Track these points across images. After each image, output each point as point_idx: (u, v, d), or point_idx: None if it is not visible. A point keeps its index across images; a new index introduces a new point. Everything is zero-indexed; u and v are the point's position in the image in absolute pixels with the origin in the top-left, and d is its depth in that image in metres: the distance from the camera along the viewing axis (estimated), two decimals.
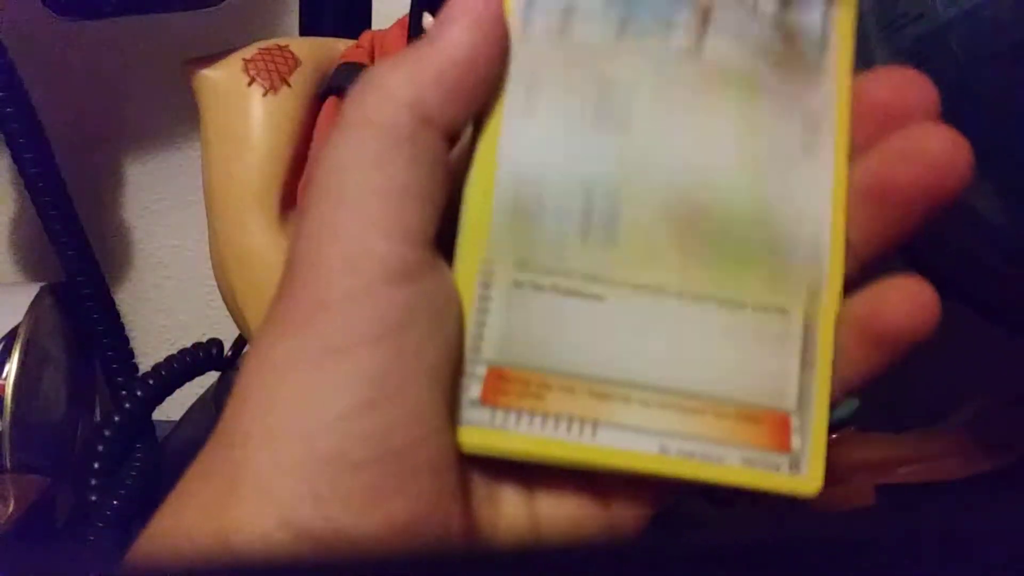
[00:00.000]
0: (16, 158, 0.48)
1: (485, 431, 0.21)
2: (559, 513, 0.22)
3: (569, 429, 0.21)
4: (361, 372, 0.19)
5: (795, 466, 0.21)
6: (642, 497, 0.22)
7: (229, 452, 0.20)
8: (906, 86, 0.22)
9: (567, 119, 0.22)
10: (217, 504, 0.19)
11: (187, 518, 0.20)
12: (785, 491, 0.21)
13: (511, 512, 0.22)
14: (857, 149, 0.22)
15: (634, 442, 0.21)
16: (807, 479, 0.21)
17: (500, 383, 0.21)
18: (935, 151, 0.21)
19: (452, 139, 0.21)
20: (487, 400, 0.21)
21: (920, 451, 0.41)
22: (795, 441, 0.21)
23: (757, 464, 0.21)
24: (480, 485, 0.22)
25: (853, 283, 0.22)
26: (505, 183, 0.21)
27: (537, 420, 0.21)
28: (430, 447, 0.20)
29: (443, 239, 0.21)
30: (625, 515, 0.22)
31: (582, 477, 0.22)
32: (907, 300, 0.21)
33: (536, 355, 0.21)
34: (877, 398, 0.43)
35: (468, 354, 0.21)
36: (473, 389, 0.21)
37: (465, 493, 0.21)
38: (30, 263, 0.62)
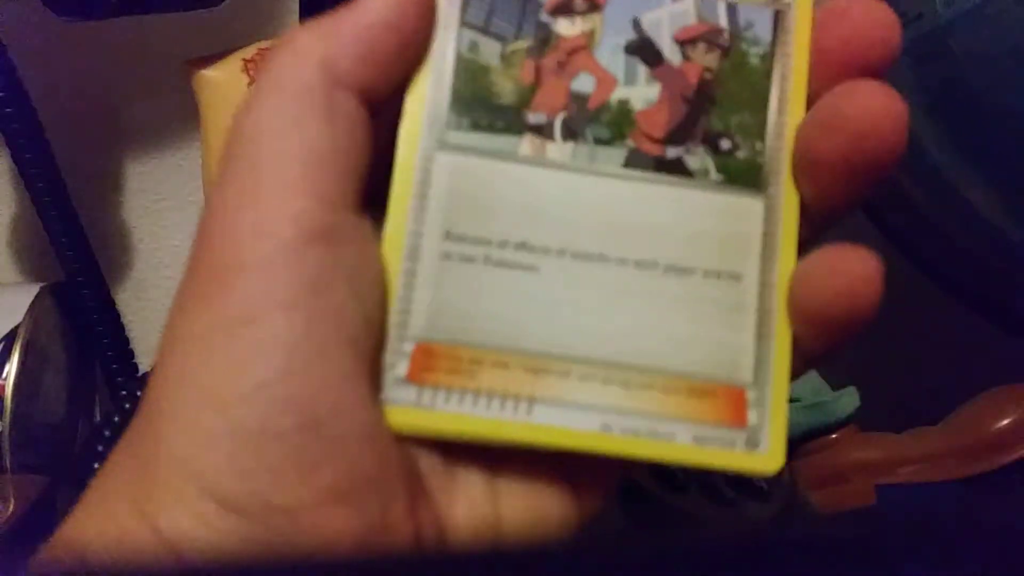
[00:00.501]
0: (16, 158, 0.48)
1: (413, 410, 0.20)
2: (521, 495, 0.21)
3: (503, 407, 0.20)
4: (277, 338, 0.18)
5: (752, 443, 0.20)
6: (605, 473, 0.22)
7: (146, 426, 0.19)
8: (867, 22, 0.20)
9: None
10: (138, 480, 0.19)
11: (110, 497, 0.19)
12: (742, 469, 0.20)
13: (471, 493, 0.21)
14: (813, 95, 0.21)
15: (574, 420, 0.20)
16: (767, 457, 0.20)
17: (428, 360, 0.20)
18: (857, 116, 0.20)
19: (373, 104, 0.20)
20: (414, 378, 0.20)
21: (920, 451, 0.41)
22: (752, 416, 0.20)
23: (710, 441, 0.20)
24: (434, 468, 0.21)
25: (807, 244, 0.21)
26: None
27: (468, 398, 0.20)
28: (355, 416, 0.19)
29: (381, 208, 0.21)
30: (591, 492, 0.22)
31: (543, 459, 0.21)
32: (840, 275, 0.20)
33: (467, 329, 0.20)
34: (877, 398, 0.43)
35: (393, 330, 0.20)
36: (400, 367, 0.20)
37: (415, 475, 0.20)
38: (30, 263, 0.62)
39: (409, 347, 0.20)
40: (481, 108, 0.21)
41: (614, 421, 0.20)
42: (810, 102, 0.21)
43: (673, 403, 0.20)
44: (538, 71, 0.21)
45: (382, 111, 0.21)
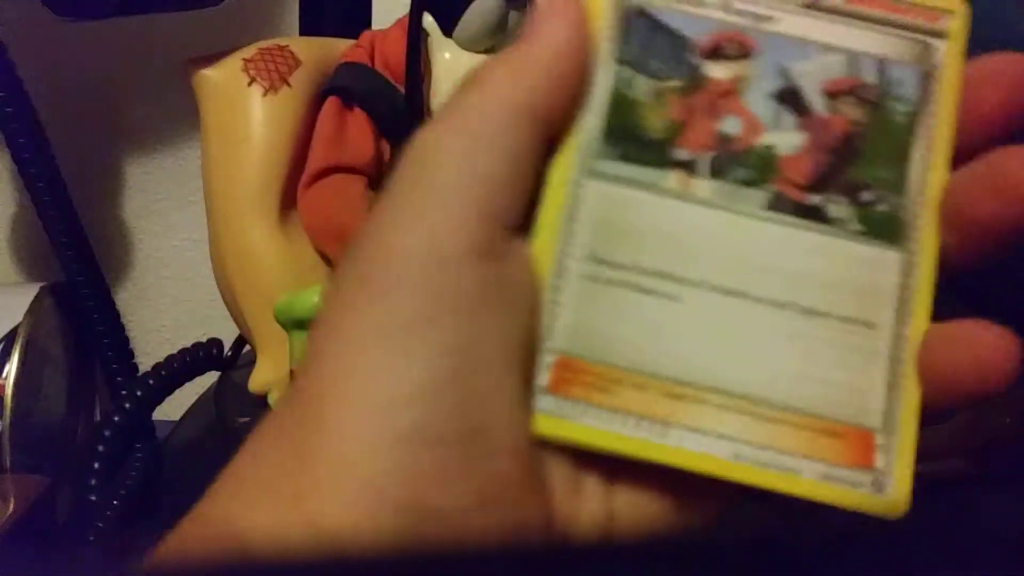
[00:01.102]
0: (16, 158, 0.48)
1: (554, 419, 0.21)
2: (635, 505, 0.22)
3: (638, 426, 0.21)
4: (443, 344, 0.19)
5: (878, 486, 0.21)
6: (717, 494, 0.22)
7: (304, 419, 0.19)
8: (1018, 85, 0.21)
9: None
10: (298, 477, 0.19)
11: (265, 490, 0.19)
12: (866, 510, 0.21)
13: (591, 503, 0.22)
14: (963, 149, 0.22)
15: (707, 445, 0.21)
16: (891, 500, 0.21)
17: (569, 373, 0.21)
18: (1017, 181, 0.20)
19: (553, 131, 0.22)
20: (555, 389, 0.21)
21: (920, 451, 0.40)
22: (879, 460, 0.21)
23: (836, 480, 0.21)
24: (562, 474, 0.21)
25: (938, 297, 0.22)
26: None
27: (605, 414, 0.21)
28: (509, 427, 0.20)
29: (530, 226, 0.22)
30: (699, 510, 0.22)
31: (661, 471, 0.21)
32: (979, 349, 0.20)
33: (607, 349, 0.21)
34: None
35: (540, 342, 0.21)
36: (542, 376, 0.21)
37: (545, 480, 0.21)
38: (30, 263, 0.62)
39: (551, 359, 0.21)
40: (632, 141, 0.22)
41: (745, 451, 0.21)
42: (958, 156, 0.22)
43: (803, 439, 0.21)
44: (688, 110, 0.22)
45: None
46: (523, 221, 0.21)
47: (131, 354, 0.53)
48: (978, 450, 0.40)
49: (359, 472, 0.18)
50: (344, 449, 0.19)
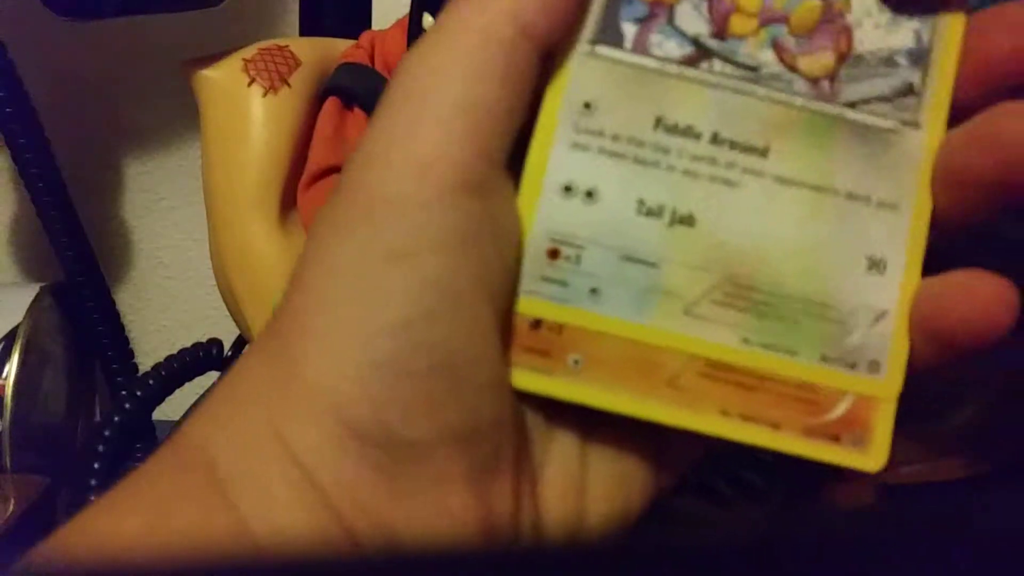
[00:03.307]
0: (16, 158, 0.48)
1: (536, 375, 0.21)
2: (608, 457, 0.22)
3: (622, 385, 0.21)
4: (424, 279, 0.19)
5: (858, 441, 0.21)
6: (692, 449, 0.22)
7: (284, 343, 0.19)
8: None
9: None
10: (274, 397, 0.19)
11: (242, 407, 0.19)
12: (847, 465, 0.21)
13: (564, 452, 0.22)
14: (960, 109, 0.21)
15: (690, 403, 0.21)
16: (872, 456, 0.21)
17: (550, 326, 0.21)
18: (1015, 137, 0.20)
19: (547, 51, 0.21)
20: (534, 342, 0.21)
21: (920, 451, 0.41)
22: (861, 416, 0.21)
23: (816, 435, 0.21)
24: (537, 420, 0.21)
25: (931, 257, 0.21)
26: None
27: (587, 370, 0.21)
28: (486, 366, 0.20)
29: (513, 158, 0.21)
30: (672, 465, 0.22)
31: (635, 424, 0.21)
32: (973, 300, 0.20)
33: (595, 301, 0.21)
34: None
35: (520, 286, 0.21)
36: (521, 328, 0.21)
37: (519, 424, 0.21)
38: (30, 263, 0.62)
39: (533, 310, 0.21)
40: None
41: (730, 406, 0.21)
42: (962, 110, 0.21)
43: (785, 393, 0.21)
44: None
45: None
46: (512, 154, 0.21)
47: (131, 354, 0.53)
48: (978, 450, 0.40)
49: (330, 399, 0.19)
50: (318, 377, 0.19)
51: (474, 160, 0.19)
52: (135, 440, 0.45)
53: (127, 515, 0.18)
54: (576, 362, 0.21)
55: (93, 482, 0.42)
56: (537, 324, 0.21)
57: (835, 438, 0.21)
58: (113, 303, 0.53)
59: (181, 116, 0.59)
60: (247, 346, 0.21)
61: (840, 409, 0.21)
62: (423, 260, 0.19)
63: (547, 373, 0.21)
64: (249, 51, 0.42)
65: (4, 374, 0.45)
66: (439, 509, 0.19)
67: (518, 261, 0.21)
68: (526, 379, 0.21)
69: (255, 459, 0.19)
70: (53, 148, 0.49)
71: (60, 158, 0.49)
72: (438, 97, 0.20)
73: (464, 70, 0.20)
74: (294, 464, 0.19)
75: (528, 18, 0.20)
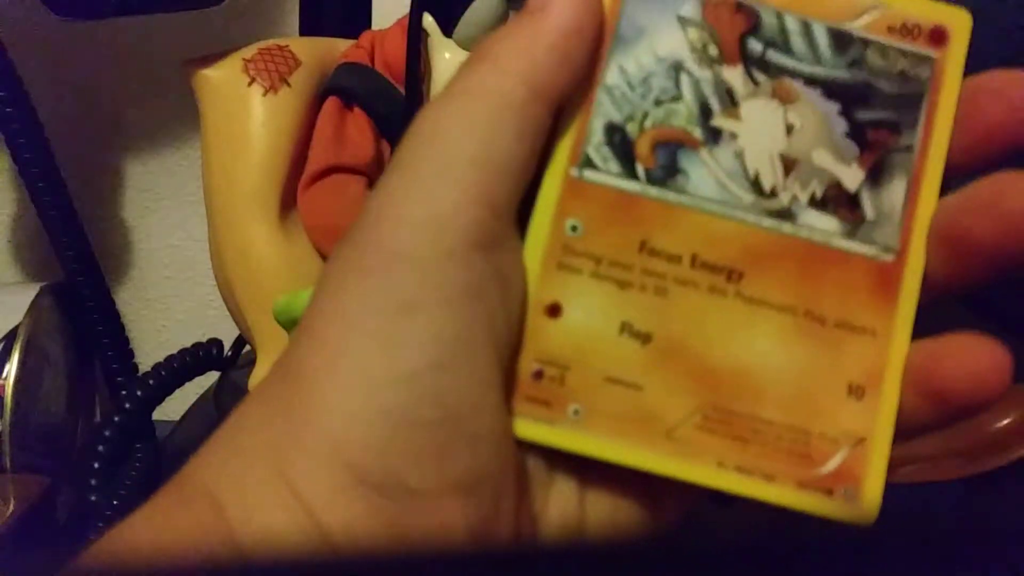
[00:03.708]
0: (16, 158, 0.48)
1: (538, 425, 0.21)
2: (606, 503, 0.22)
3: (620, 434, 0.21)
4: (434, 332, 0.19)
5: (850, 494, 0.21)
6: (689, 496, 0.23)
7: (292, 392, 0.20)
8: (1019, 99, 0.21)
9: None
10: (281, 445, 0.19)
11: (248, 454, 0.20)
12: (839, 518, 0.21)
13: (562, 499, 0.22)
14: (958, 167, 0.22)
15: (689, 453, 0.21)
16: (863, 509, 0.21)
17: (552, 377, 0.21)
18: (1017, 209, 0.20)
19: (559, 108, 0.21)
20: (536, 392, 0.21)
21: (920, 451, 0.41)
22: (852, 469, 0.21)
23: (810, 488, 0.21)
24: (538, 468, 0.22)
25: (925, 311, 0.22)
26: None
27: (586, 420, 0.21)
28: (490, 417, 0.20)
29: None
30: (670, 510, 0.23)
31: (634, 473, 0.22)
32: (971, 362, 0.20)
33: (594, 355, 0.21)
34: None
35: (525, 342, 0.21)
36: (525, 378, 0.21)
37: (522, 472, 0.21)
38: (30, 263, 0.62)
39: (535, 364, 0.21)
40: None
41: (726, 459, 0.21)
42: (955, 173, 0.22)
43: (780, 447, 0.21)
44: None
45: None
46: (520, 208, 0.21)
47: (131, 354, 0.53)
48: (977, 450, 0.40)
49: (339, 445, 0.19)
50: (327, 424, 0.19)
51: (486, 217, 0.20)
52: (135, 440, 0.45)
53: (130, 552, 0.19)
54: (576, 412, 0.21)
55: (93, 482, 0.42)
56: (539, 375, 0.21)
57: (828, 491, 0.21)
58: (113, 303, 0.53)
59: (181, 116, 0.59)
60: (248, 395, 0.21)
61: (833, 463, 0.21)
62: (433, 313, 0.19)
63: (549, 423, 0.21)
64: (249, 51, 0.42)
65: (4, 374, 0.45)
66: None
67: (522, 314, 0.21)
68: (528, 428, 0.21)
69: (262, 503, 0.19)
70: (53, 148, 0.49)
71: (60, 158, 0.49)
72: (453, 155, 0.20)
73: (480, 130, 0.20)
74: (301, 509, 0.19)
75: (541, 80, 0.21)
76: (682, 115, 0.22)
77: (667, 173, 0.22)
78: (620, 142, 0.22)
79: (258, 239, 0.41)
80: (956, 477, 0.40)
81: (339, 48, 0.44)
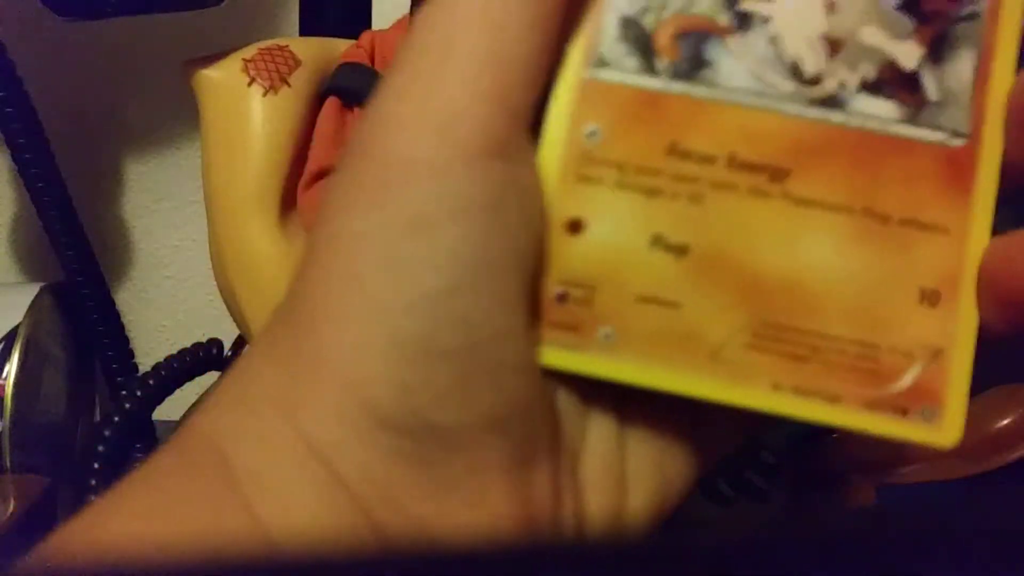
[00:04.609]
0: (16, 158, 0.48)
1: (563, 350, 0.19)
2: (647, 443, 0.20)
3: (660, 358, 0.19)
4: (450, 250, 0.17)
5: (928, 414, 0.19)
6: (739, 426, 0.21)
7: (297, 330, 0.18)
8: None
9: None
10: (288, 383, 0.18)
11: (253, 396, 0.18)
12: (916, 440, 0.19)
13: (599, 432, 0.20)
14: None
15: (741, 374, 0.19)
16: (943, 430, 0.19)
17: (580, 299, 0.19)
18: None
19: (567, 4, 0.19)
20: (563, 317, 0.19)
21: (920, 451, 0.41)
22: (931, 386, 0.19)
23: (881, 408, 0.19)
24: (570, 399, 0.20)
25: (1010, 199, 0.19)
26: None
27: (621, 344, 0.19)
28: (515, 344, 0.18)
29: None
30: (716, 445, 0.21)
31: (675, 400, 0.20)
32: None
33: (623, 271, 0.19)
34: None
35: (546, 263, 0.19)
36: (550, 302, 0.19)
37: (552, 404, 0.19)
38: (30, 263, 0.62)
39: (559, 287, 0.19)
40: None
41: (783, 380, 0.19)
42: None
43: (845, 361, 0.19)
44: None
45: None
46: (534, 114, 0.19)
47: (131, 354, 0.53)
48: (977, 450, 0.40)
49: (352, 384, 0.17)
50: (338, 359, 0.17)
51: (499, 119, 0.18)
52: (135, 440, 0.45)
53: (132, 518, 0.17)
54: (608, 336, 0.19)
55: (93, 482, 0.42)
56: (563, 297, 0.19)
57: (903, 411, 0.19)
58: (113, 303, 0.53)
59: (181, 116, 0.59)
60: (257, 333, 0.19)
61: (907, 380, 0.19)
62: (448, 229, 0.17)
63: (577, 349, 0.19)
64: (249, 51, 0.42)
65: (4, 374, 0.45)
66: (476, 502, 0.18)
67: (543, 230, 0.19)
68: (556, 356, 0.19)
69: (273, 456, 0.17)
70: (53, 148, 0.49)
71: (60, 158, 0.49)
72: (461, 50, 0.18)
73: (490, 20, 0.18)
74: (316, 459, 0.17)
75: None
76: (704, 1, 0.19)
77: (692, 66, 0.19)
78: (637, 36, 0.19)
79: (258, 239, 0.41)
80: (956, 477, 0.40)
81: (339, 48, 0.44)
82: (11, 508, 0.40)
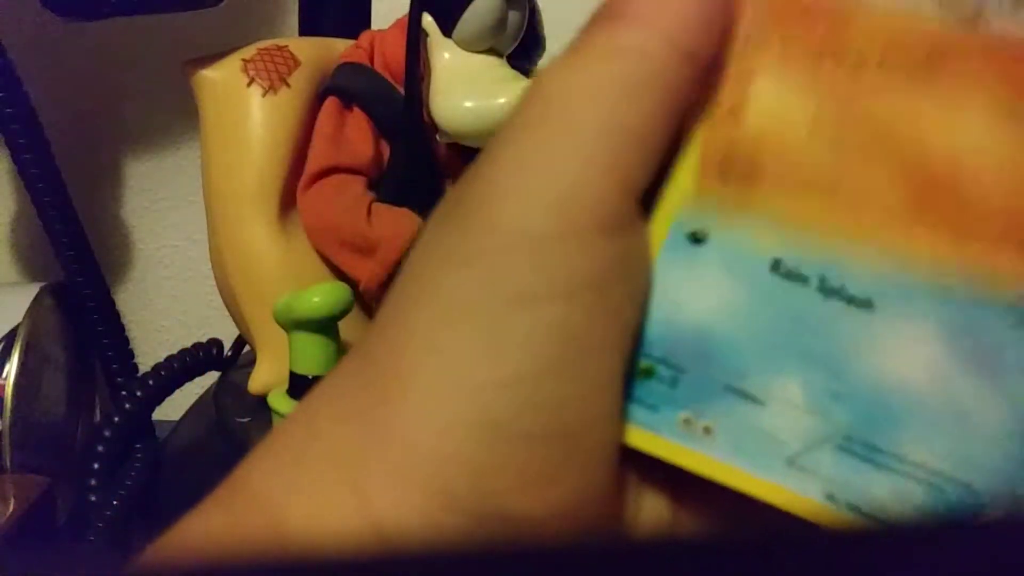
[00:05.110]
0: (16, 158, 0.48)
1: (652, 435, 0.18)
2: (698, 522, 0.19)
3: (736, 452, 0.18)
4: (551, 329, 0.16)
5: None
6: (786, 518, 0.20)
7: (371, 392, 0.17)
8: None
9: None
10: (358, 451, 0.16)
11: (317, 458, 0.17)
12: None
13: (655, 509, 0.19)
14: None
15: (799, 484, 0.18)
16: None
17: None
18: None
19: (701, 74, 0.18)
20: (651, 395, 0.18)
21: None
22: None
23: None
24: (631, 481, 0.19)
25: None
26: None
27: (705, 435, 0.18)
28: (603, 430, 0.17)
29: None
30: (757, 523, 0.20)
31: (730, 492, 0.19)
32: None
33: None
34: None
35: (640, 340, 0.18)
36: (639, 378, 0.18)
37: (624, 489, 0.19)
38: (30, 263, 0.62)
39: (650, 362, 0.18)
40: None
41: (837, 493, 0.18)
42: None
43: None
44: None
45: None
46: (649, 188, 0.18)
47: (131, 354, 0.53)
48: None
49: (427, 459, 0.16)
50: (416, 432, 0.16)
51: (615, 195, 0.17)
52: (135, 440, 0.45)
53: None
54: (706, 429, 0.18)
55: (93, 482, 0.42)
56: (650, 373, 0.18)
57: None
58: (113, 303, 0.53)
59: (181, 116, 0.59)
60: (319, 386, 0.18)
61: None
62: (551, 306, 0.16)
63: (658, 430, 0.18)
64: (249, 51, 0.42)
65: (4, 374, 0.45)
66: None
67: (646, 311, 0.18)
68: (641, 438, 0.18)
69: (329, 522, 0.16)
70: (53, 148, 0.49)
71: (60, 158, 0.49)
72: (581, 121, 0.17)
73: (614, 92, 0.17)
74: (373, 532, 0.16)
75: (686, 38, 0.17)
76: None
77: None
78: None
79: (258, 239, 0.41)
80: None
81: (339, 48, 0.44)
82: (11, 508, 0.40)
